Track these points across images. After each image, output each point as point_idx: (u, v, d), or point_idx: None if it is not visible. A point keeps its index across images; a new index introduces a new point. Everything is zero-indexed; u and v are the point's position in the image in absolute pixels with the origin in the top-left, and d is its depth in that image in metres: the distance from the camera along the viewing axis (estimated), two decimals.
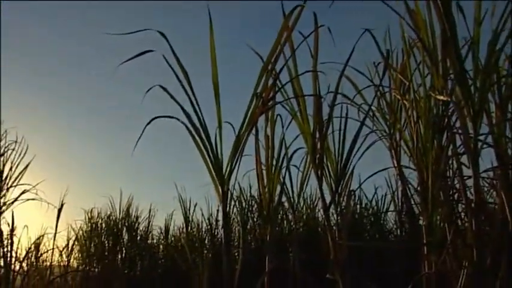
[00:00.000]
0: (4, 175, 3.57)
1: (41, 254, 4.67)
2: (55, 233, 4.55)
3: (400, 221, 3.33)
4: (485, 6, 1.70)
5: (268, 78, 1.97)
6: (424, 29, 1.81)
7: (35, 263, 4.60)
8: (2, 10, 3.49)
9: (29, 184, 3.72)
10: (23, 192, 3.67)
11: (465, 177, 1.73)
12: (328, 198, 2.02)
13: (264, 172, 2.28)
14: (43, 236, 4.58)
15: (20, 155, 3.66)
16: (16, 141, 3.67)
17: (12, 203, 3.62)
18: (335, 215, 2.08)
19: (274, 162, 2.27)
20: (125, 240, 5.09)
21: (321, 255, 2.66)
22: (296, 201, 2.70)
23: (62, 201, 4.55)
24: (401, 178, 2.33)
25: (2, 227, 3.64)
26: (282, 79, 2.09)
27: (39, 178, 3.84)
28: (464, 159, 1.74)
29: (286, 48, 2.00)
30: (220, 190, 1.91)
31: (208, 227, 4.52)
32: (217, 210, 4.52)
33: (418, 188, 1.93)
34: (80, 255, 5.19)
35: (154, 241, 5.28)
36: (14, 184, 3.62)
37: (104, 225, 5.14)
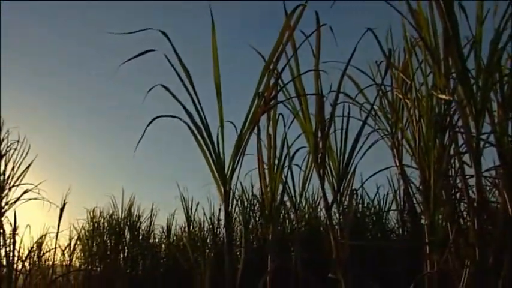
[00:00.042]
0: (6, 175, 3.57)
1: (43, 254, 4.67)
2: (57, 233, 4.55)
3: (402, 220, 3.33)
4: (488, 6, 1.70)
5: (270, 78, 1.97)
6: (426, 28, 1.81)
7: (37, 263, 4.60)
8: (2, 10, 3.49)
9: (31, 184, 3.73)
10: (25, 192, 3.67)
11: (467, 176, 1.73)
12: (330, 198, 2.02)
13: (266, 171, 2.28)
14: (45, 235, 4.59)
15: (22, 154, 3.66)
16: (18, 141, 3.67)
17: (15, 202, 3.62)
18: (337, 214, 2.09)
19: (276, 162, 2.27)
20: (127, 239, 5.09)
21: (323, 255, 2.66)
22: (298, 200, 2.70)
23: (64, 200, 4.56)
24: (403, 177, 2.32)
25: (4, 226, 3.65)
26: (283, 78, 2.09)
27: (41, 178, 3.84)
28: (466, 158, 1.74)
29: (288, 48, 2.00)
30: (222, 189, 1.91)
31: (210, 226, 4.52)
32: (219, 210, 4.52)
33: (420, 187, 1.93)
34: (82, 255, 5.19)
35: (156, 240, 5.28)
36: (16, 184, 3.62)
37: (106, 224, 5.15)
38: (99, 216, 5.21)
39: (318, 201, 3.86)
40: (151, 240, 5.23)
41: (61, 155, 6.43)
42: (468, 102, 1.62)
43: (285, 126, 2.28)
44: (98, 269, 5.12)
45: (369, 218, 3.76)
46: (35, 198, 3.78)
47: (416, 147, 1.91)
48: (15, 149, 3.64)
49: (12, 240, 3.74)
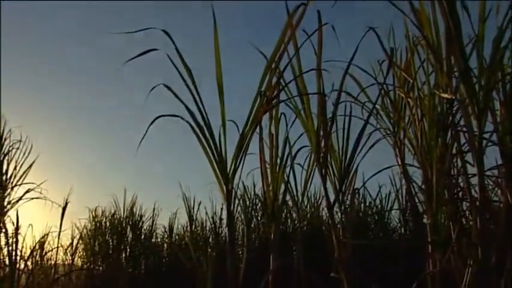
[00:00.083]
0: (9, 174, 3.58)
1: (46, 253, 4.67)
2: (59, 232, 4.56)
3: (404, 219, 3.33)
4: (490, 4, 1.70)
5: (272, 77, 1.97)
6: (428, 27, 1.81)
7: (39, 262, 4.60)
8: (2, 10, 3.49)
9: (33, 183, 3.73)
10: (27, 191, 3.67)
11: (470, 176, 1.73)
12: (332, 197, 2.02)
13: (268, 170, 2.28)
14: (47, 234, 4.59)
15: (24, 154, 3.67)
16: (20, 141, 3.68)
17: (17, 201, 3.62)
18: (339, 214, 2.09)
19: (278, 161, 2.27)
20: (129, 238, 5.10)
21: (325, 254, 2.66)
22: (300, 199, 2.70)
23: (66, 200, 4.56)
24: (405, 176, 2.32)
25: (7, 225, 3.65)
26: (285, 77, 2.09)
27: (43, 177, 3.84)
28: (468, 157, 1.74)
29: (290, 47, 2.00)
30: (224, 189, 1.91)
31: (212, 225, 4.53)
32: (221, 209, 4.53)
33: (423, 186, 1.93)
34: (84, 254, 5.20)
35: (159, 240, 5.30)
36: (19, 183, 3.63)
37: (108, 224, 5.16)
38: (101, 215, 5.22)
39: (320, 201, 3.86)
40: (153, 240, 5.24)
41: (63, 155, 6.44)
42: (470, 101, 1.61)
43: (287, 125, 2.29)
44: (100, 268, 5.14)
45: (371, 217, 3.76)
46: (37, 198, 3.78)
47: (419, 146, 1.91)
48: (18, 148, 3.65)
49: (14, 240, 3.75)
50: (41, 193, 3.79)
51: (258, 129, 2.20)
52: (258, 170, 2.32)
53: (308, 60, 2.06)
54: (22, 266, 4.12)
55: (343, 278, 1.89)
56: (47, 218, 4.48)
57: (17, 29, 6.09)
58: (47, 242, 4.66)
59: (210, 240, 4.51)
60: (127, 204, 5.12)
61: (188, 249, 4.29)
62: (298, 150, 2.31)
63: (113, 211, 5.15)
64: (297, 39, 2.03)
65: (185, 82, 1.87)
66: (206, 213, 4.63)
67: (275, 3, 2.07)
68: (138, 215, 5.15)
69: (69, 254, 5.00)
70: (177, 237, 5.12)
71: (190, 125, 1.88)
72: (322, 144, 2.00)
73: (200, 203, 4.74)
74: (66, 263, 5.00)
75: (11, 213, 3.67)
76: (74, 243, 5.06)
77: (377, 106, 2.36)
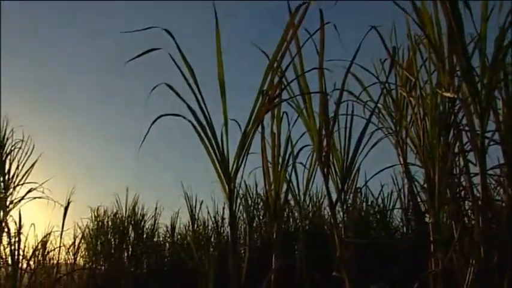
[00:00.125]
0: (11, 174, 3.58)
1: (48, 252, 4.68)
2: (61, 231, 4.57)
3: (407, 218, 3.33)
4: (492, 3, 1.69)
5: (274, 76, 1.97)
6: (430, 26, 1.81)
7: (42, 261, 4.61)
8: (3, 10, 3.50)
9: (35, 182, 3.74)
10: (29, 191, 3.68)
11: (472, 175, 1.73)
12: (334, 196, 2.01)
13: (270, 170, 2.28)
14: (50, 234, 4.60)
15: (26, 153, 3.68)
16: (22, 140, 3.68)
17: (19, 201, 3.63)
18: (341, 213, 2.08)
19: (280, 160, 2.27)
20: (131, 238, 5.10)
21: (327, 253, 2.66)
22: (302, 198, 2.70)
23: (69, 199, 4.57)
24: (407, 175, 2.32)
25: (9, 225, 3.66)
26: (288, 76, 2.09)
27: (45, 177, 3.85)
28: (471, 156, 1.74)
29: (292, 46, 2.00)
30: (226, 188, 1.91)
31: (214, 225, 4.53)
32: (223, 208, 4.54)
33: (425, 186, 1.93)
34: (86, 253, 5.21)
35: (161, 239, 5.30)
36: (21, 183, 3.64)
37: (110, 223, 5.17)
38: (104, 215, 5.23)
39: (322, 200, 3.86)
40: (155, 239, 5.25)
41: (65, 154, 6.44)
42: (473, 100, 1.61)
43: (289, 124, 2.28)
44: (103, 267, 5.15)
45: (373, 216, 3.76)
46: (40, 197, 3.80)
47: (421, 146, 1.91)
48: (20, 148, 3.66)
49: (17, 239, 3.76)
50: (43, 193, 3.81)
51: (260, 129, 2.20)
52: (260, 169, 2.32)
53: (310, 59, 2.06)
54: (24, 265, 4.13)
55: (345, 277, 1.89)
56: (49, 218, 4.50)
57: (20, 27, 6.11)
58: (49, 242, 4.67)
59: (212, 239, 4.51)
60: (129, 203, 5.14)
61: (190, 248, 4.29)
62: (300, 149, 2.31)
63: (115, 210, 5.16)
64: (299, 39, 2.03)
65: (187, 81, 1.87)
66: (208, 212, 4.63)
67: (277, 3, 2.06)
68: (140, 214, 5.16)
69: (71, 254, 5.01)
70: (179, 236, 5.12)
71: (193, 124, 1.88)
72: (324, 143, 2.00)
73: (202, 202, 4.74)
74: (68, 262, 5.01)
75: (14, 213, 3.69)
76: (76, 243, 5.07)
77: (379, 105, 2.36)
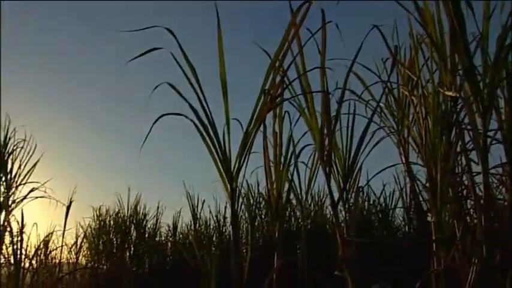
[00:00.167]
0: (13, 173, 3.59)
1: (50, 252, 4.69)
2: (64, 231, 4.58)
3: (409, 217, 3.33)
4: (494, 4, 1.69)
5: (276, 75, 1.97)
6: (432, 25, 1.81)
7: (44, 261, 4.62)
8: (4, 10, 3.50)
9: (37, 182, 3.74)
10: (31, 190, 3.69)
11: (474, 174, 1.73)
12: (336, 195, 2.01)
13: (272, 169, 2.28)
14: (52, 233, 4.61)
15: (28, 153, 3.68)
16: (25, 140, 3.68)
17: (22, 200, 3.64)
18: (343, 212, 2.08)
19: (282, 159, 2.27)
20: (133, 237, 5.11)
21: (329, 252, 2.66)
22: (304, 198, 2.70)
23: (71, 198, 4.58)
24: (409, 175, 2.32)
25: (11, 224, 3.67)
26: (289, 76, 2.09)
27: (47, 176, 3.85)
28: (473, 155, 1.74)
29: (294, 45, 2.00)
30: (228, 187, 1.91)
31: (216, 224, 4.54)
32: (225, 208, 4.54)
33: (427, 185, 1.93)
34: (88, 253, 5.21)
35: (163, 238, 5.30)
36: (23, 182, 3.64)
37: (112, 222, 5.17)
38: (106, 214, 5.24)
39: (323, 199, 3.86)
40: (157, 238, 5.25)
41: (67, 154, 6.45)
42: (475, 99, 1.61)
43: (291, 123, 2.29)
44: (105, 267, 5.15)
45: (375, 215, 3.76)
46: (42, 197, 3.80)
47: (423, 145, 1.90)
48: (22, 147, 3.66)
49: (19, 239, 3.76)
50: (45, 192, 3.81)
51: (262, 128, 2.20)
52: (262, 168, 2.32)
53: (312, 58, 2.06)
54: (27, 264, 4.14)
55: (347, 276, 1.89)
56: (52, 217, 4.50)
57: (23, 27, 6.11)
58: (51, 241, 4.68)
59: (214, 238, 4.51)
60: (131, 203, 5.14)
61: (192, 247, 4.29)
62: (302, 148, 2.32)
63: (117, 210, 5.17)
64: (300, 38, 2.03)
65: (189, 80, 1.87)
66: (210, 211, 4.64)
67: (279, 3, 2.06)
68: (142, 213, 5.16)
69: (73, 253, 5.02)
70: (181, 235, 5.13)
71: (195, 123, 1.88)
72: (326, 142, 2.00)
73: (204, 201, 4.75)
74: (70, 261, 5.02)
75: (16, 212, 3.69)
76: (78, 242, 5.07)
77: (381, 104, 2.36)
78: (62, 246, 4.72)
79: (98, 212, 5.25)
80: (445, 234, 1.82)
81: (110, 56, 6.25)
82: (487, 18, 1.66)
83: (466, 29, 1.60)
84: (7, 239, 3.69)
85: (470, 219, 1.93)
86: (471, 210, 1.95)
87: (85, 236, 5.13)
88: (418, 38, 2.04)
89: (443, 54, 1.78)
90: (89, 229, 5.20)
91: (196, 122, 1.88)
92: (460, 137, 1.80)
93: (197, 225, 4.67)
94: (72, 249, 5.01)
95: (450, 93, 1.75)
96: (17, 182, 3.59)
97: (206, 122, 1.88)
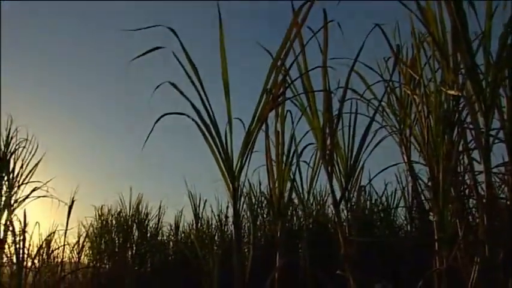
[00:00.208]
0: (15, 173, 3.60)
1: (52, 251, 4.70)
2: (66, 230, 4.59)
3: (411, 216, 3.32)
4: (496, 4, 1.69)
5: (278, 75, 1.97)
6: (434, 24, 1.80)
7: (46, 260, 4.63)
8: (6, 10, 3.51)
9: (39, 181, 3.75)
10: (34, 190, 3.70)
11: (476, 173, 1.72)
12: (338, 194, 2.01)
13: (274, 168, 2.28)
14: (54, 232, 4.62)
15: (30, 153, 3.69)
16: (27, 139, 3.69)
17: (24, 200, 3.65)
18: (345, 211, 2.08)
19: (284, 159, 2.27)
20: (135, 237, 5.11)
21: (331, 251, 2.66)
22: (306, 197, 2.70)
23: (73, 198, 4.59)
24: (411, 174, 2.32)
25: (14, 224, 3.67)
26: (291, 75, 2.09)
27: (49, 175, 3.86)
28: (475, 154, 1.74)
29: (295, 45, 2.00)
30: (230, 186, 1.92)
31: (218, 223, 4.54)
32: (227, 207, 4.54)
33: (429, 184, 1.93)
34: (90, 252, 5.22)
35: (165, 238, 5.31)
36: (25, 182, 3.65)
37: (114, 222, 5.18)
38: (108, 213, 5.25)
39: (325, 198, 3.86)
40: (159, 238, 5.26)
41: (69, 153, 6.46)
42: (477, 98, 1.61)
43: (293, 123, 2.28)
44: (107, 266, 5.16)
45: (377, 214, 3.76)
46: (44, 196, 3.80)
47: (425, 144, 1.90)
48: (24, 147, 3.67)
49: (21, 238, 3.77)
50: (47, 191, 3.82)
51: (264, 127, 2.20)
52: (264, 167, 2.32)
53: (314, 57, 2.06)
54: (29, 264, 4.15)
55: (348, 275, 1.89)
56: (54, 217, 4.51)
57: (23, 27, 6.12)
58: (53, 240, 4.69)
59: (216, 238, 4.51)
60: (133, 202, 5.15)
61: (194, 247, 4.29)
62: (304, 147, 2.31)
63: (119, 209, 5.17)
64: (302, 37, 2.03)
65: (191, 79, 1.88)
66: (212, 211, 4.64)
67: (280, 2, 2.06)
68: (144, 213, 5.17)
69: (75, 252, 5.03)
70: (183, 235, 5.13)
71: (197, 123, 1.88)
72: (328, 141, 2.00)
73: (206, 200, 4.76)
74: (72, 261, 5.03)
75: (18, 212, 3.70)
76: (81, 242, 5.08)
77: (383, 103, 2.35)
78: (64, 245, 4.73)
79: (100, 212, 5.26)
80: (447, 234, 1.82)
81: (111, 56, 6.26)
82: (489, 17, 1.66)
83: (468, 27, 1.60)
84: (9, 239, 3.70)
85: (472, 219, 1.93)
86: (473, 209, 1.95)
87: (87, 236, 5.14)
88: (420, 37, 2.04)
89: (445, 53, 1.78)
90: (91, 228, 5.21)
91: (199, 121, 1.88)
92: (462, 136, 1.79)
93: (199, 224, 4.68)
94: (74, 249, 5.02)
95: (452, 92, 1.75)
96: (19, 181, 3.61)
97: (208, 121, 1.89)
